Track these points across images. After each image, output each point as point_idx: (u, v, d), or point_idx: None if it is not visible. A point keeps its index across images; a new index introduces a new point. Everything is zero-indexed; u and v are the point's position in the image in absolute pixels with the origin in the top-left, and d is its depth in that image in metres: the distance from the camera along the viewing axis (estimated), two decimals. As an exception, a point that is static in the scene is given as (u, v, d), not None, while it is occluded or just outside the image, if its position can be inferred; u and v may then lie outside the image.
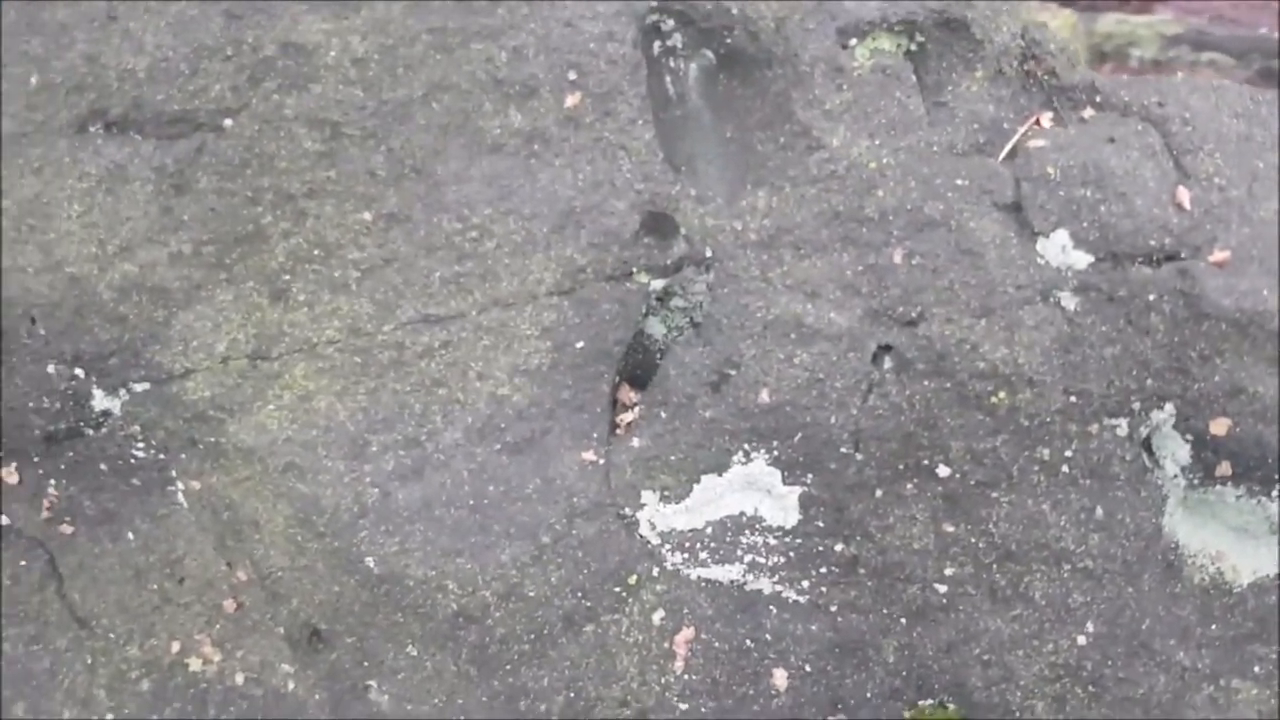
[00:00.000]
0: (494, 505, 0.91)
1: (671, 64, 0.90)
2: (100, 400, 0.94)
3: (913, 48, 0.86)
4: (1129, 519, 0.85)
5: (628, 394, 0.94)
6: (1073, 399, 0.82)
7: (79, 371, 0.93)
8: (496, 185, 0.88)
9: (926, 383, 0.83)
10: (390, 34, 0.86)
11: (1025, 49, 0.88)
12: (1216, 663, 0.85)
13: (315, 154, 0.87)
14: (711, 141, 0.91)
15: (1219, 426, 0.80)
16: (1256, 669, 0.84)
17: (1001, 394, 0.83)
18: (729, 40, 0.86)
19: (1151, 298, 0.80)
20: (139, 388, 0.93)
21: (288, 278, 0.91)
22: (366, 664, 0.97)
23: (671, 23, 0.88)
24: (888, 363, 0.85)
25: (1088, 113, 0.86)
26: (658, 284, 0.90)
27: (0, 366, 0.92)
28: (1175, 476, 0.83)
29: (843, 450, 0.86)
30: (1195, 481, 0.82)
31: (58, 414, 0.95)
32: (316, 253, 0.90)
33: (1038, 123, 0.86)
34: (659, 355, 0.93)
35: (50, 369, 0.93)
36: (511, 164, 0.88)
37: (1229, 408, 0.80)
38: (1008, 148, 0.84)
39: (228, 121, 0.86)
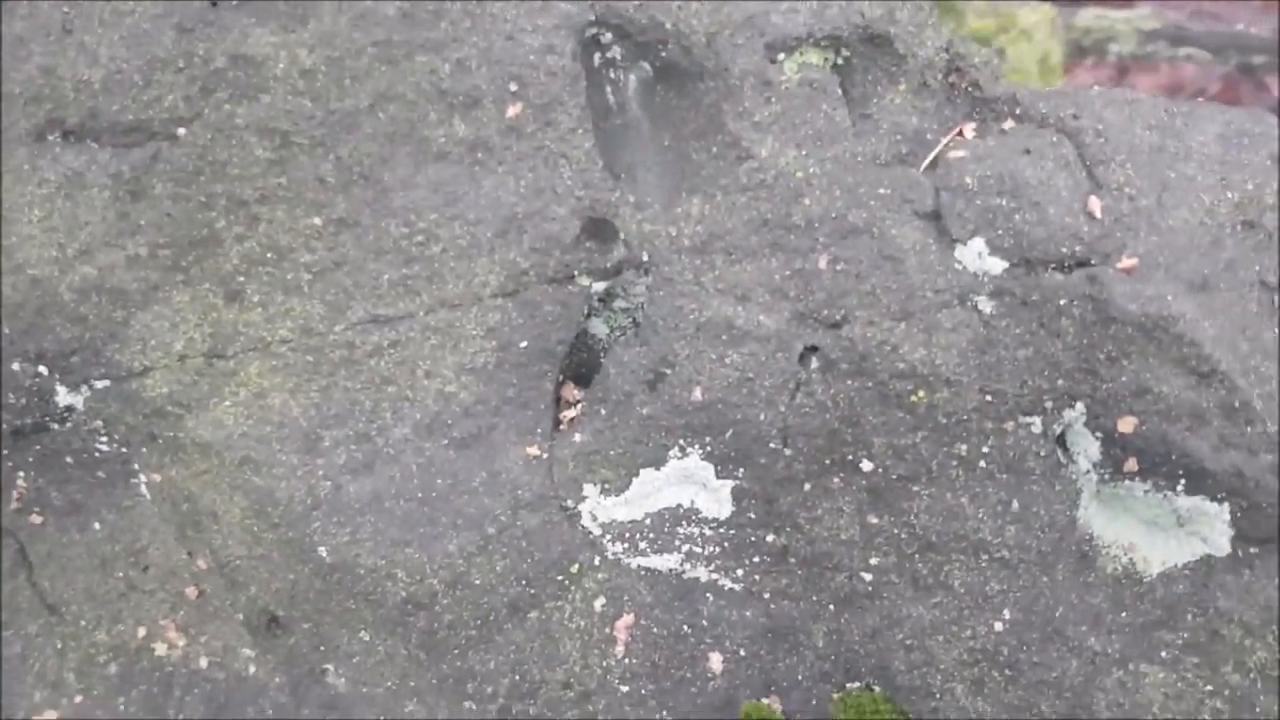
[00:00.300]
0: (441, 498, 0.95)
1: (611, 75, 0.93)
2: (64, 396, 0.98)
3: (839, 61, 0.89)
4: (1043, 511, 0.88)
5: (571, 391, 0.98)
6: (988, 398, 0.86)
7: (42, 369, 0.96)
8: (442, 192, 0.91)
9: (850, 382, 0.87)
10: (337, 46, 0.89)
11: (950, 62, 0.91)
12: (1126, 648, 0.89)
13: (266, 161, 0.90)
14: (650, 150, 0.94)
15: (1126, 425, 0.84)
16: (1163, 654, 0.89)
17: (921, 393, 0.86)
18: (664, 54, 0.89)
19: (1063, 302, 0.84)
20: (100, 384, 0.96)
21: (242, 279, 0.94)
22: (323, 648, 1.01)
23: (610, 36, 0.91)
24: (814, 363, 0.88)
25: (1008, 124, 0.89)
26: (599, 286, 0.94)
27: (-34, 365, 0.96)
28: (1088, 472, 0.87)
29: (772, 446, 0.90)
30: (1106, 476, 0.86)
31: (24, 409, 0.99)
32: (269, 256, 0.93)
33: (961, 133, 0.89)
34: (601, 354, 0.96)
35: (15, 366, 0.96)
36: (456, 171, 0.91)
37: (1135, 407, 0.84)
38: (929, 158, 0.87)
39: (181, 130, 0.89)
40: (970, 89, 0.91)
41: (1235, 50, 2.60)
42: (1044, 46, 2.41)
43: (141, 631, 1.07)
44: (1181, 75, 2.58)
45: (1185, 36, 2.59)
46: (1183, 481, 0.85)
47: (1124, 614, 0.88)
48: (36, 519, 1.06)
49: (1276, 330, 0.89)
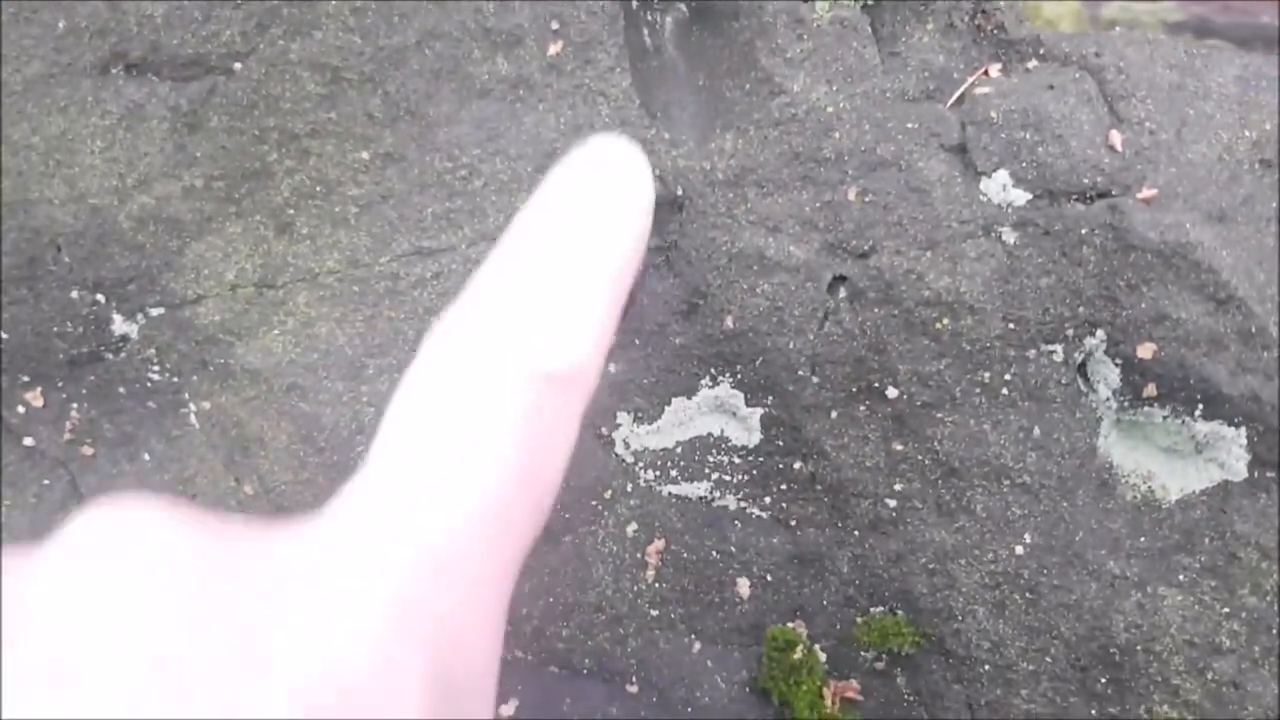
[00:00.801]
0: (480, 424, 0.98)
1: (649, 17, 0.96)
2: (119, 325, 1.02)
3: (869, 1, 0.92)
4: (1064, 439, 0.91)
5: (606, 324, 1.01)
6: (1011, 326, 0.88)
7: (100, 297, 1.00)
8: (485, 128, 0.95)
9: (877, 310, 0.90)
10: (387, -15, 0.93)
11: (976, 5, 0.94)
12: (1144, 572, 0.91)
13: (317, 96, 0.94)
14: (685, 89, 0.97)
15: (1145, 350, 0.86)
16: (1180, 577, 0.91)
17: (945, 320, 0.89)
18: (700, -7, 0.93)
19: (1084, 231, 0.87)
20: (155, 312, 1.00)
21: (292, 212, 0.98)
22: (363, 574, 1.04)
23: (648, -23, 0.95)
24: (842, 292, 0.91)
25: (1032, 64, 0.92)
26: (634, 221, 0.97)
27: (29, 293, 1.00)
28: (1108, 400, 0.89)
29: (800, 373, 0.92)
30: (1125, 404, 0.89)
31: (80, 338, 1.03)
32: (319, 189, 0.97)
33: (986, 73, 0.92)
34: (635, 286, 0.99)
35: (74, 294, 1.00)
36: (498, 108, 0.95)
37: (1155, 333, 0.87)
38: (956, 94, 0.90)
39: (237, 65, 0.93)
40: (996, 31, 0.94)
41: (1260, 42, 2.62)
42: (1071, 38, 2.43)
43: (187, 561, 1.11)
44: None
45: (1210, 28, 2.61)
46: (1200, 407, 0.88)
47: (1142, 539, 0.91)
48: (88, 450, 1.10)
49: (1293, 264, 0.92)
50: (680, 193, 0.93)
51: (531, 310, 0.47)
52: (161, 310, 0.97)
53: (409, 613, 0.43)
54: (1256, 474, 0.88)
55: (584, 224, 0.57)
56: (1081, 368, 0.90)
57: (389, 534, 0.44)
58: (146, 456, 1.08)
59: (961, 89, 0.90)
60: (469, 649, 0.46)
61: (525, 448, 0.49)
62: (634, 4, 0.92)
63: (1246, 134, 0.90)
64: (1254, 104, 0.92)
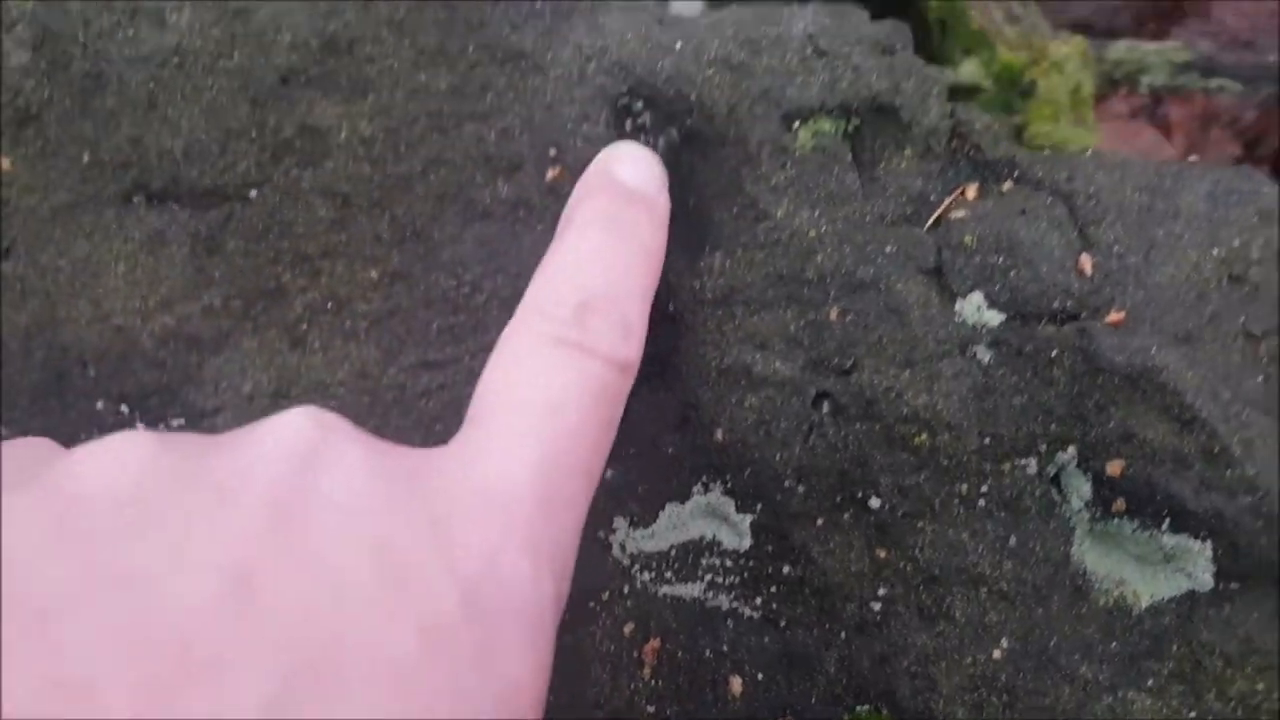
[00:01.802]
0: (483, 528, 1.03)
1: (643, 139, 1.01)
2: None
3: (850, 129, 0.96)
4: (1039, 547, 0.95)
5: (603, 430, 1.06)
6: (987, 441, 0.92)
7: (124, 408, 1.06)
8: (487, 247, 1.00)
9: (858, 425, 0.94)
10: (393, 117, 0.98)
11: (954, 128, 0.98)
12: (1115, 676, 0.95)
13: (329, 220, 0.99)
14: (677, 208, 1.01)
15: (1114, 468, 0.90)
16: (1150, 682, 0.94)
17: (924, 436, 0.93)
18: (689, 122, 0.97)
19: (1054, 353, 0.91)
20: (176, 422, 1.06)
21: (305, 327, 1.03)
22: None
23: (640, 105, 1.00)
24: (826, 407, 0.95)
25: (1007, 185, 0.96)
26: (629, 333, 1.02)
27: (58, 404, 1.06)
28: (1080, 510, 0.93)
29: (787, 484, 0.97)
30: (1097, 515, 0.92)
31: (106, 443, 1.08)
32: (330, 306, 1.02)
33: (963, 193, 0.96)
34: (630, 396, 1.04)
35: (99, 405, 1.06)
36: (500, 229, 1.00)
37: (1123, 451, 0.90)
38: (933, 218, 0.95)
39: (253, 193, 0.98)
40: (972, 152, 0.98)
41: (1266, 80, 2.64)
42: (1076, 78, 2.45)
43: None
44: (1216, 105, 2.63)
45: (1216, 67, 2.63)
46: (1168, 520, 0.91)
47: (1114, 644, 0.94)
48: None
49: (1259, 378, 0.96)
50: (672, 309, 0.98)
51: (610, 305, 0.61)
52: (182, 420, 1.02)
53: (541, 535, 0.52)
54: (1222, 585, 0.92)
55: (637, 234, 0.74)
56: (1055, 480, 0.94)
57: (513, 463, 0.54)
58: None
59: (938, 212, 0.95)
60: (567, 583, 0.57)
61: (599, 419, 0.60)
62: (628, 128, 0.97)
63: (1215, 251, 0.94)
64: (1223, 220, 0.96)
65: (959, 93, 2.62)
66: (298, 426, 0.50)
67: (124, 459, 0.45)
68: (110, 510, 0.39)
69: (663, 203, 0.78)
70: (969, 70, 2.57)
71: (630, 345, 0.63)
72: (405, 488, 0.50)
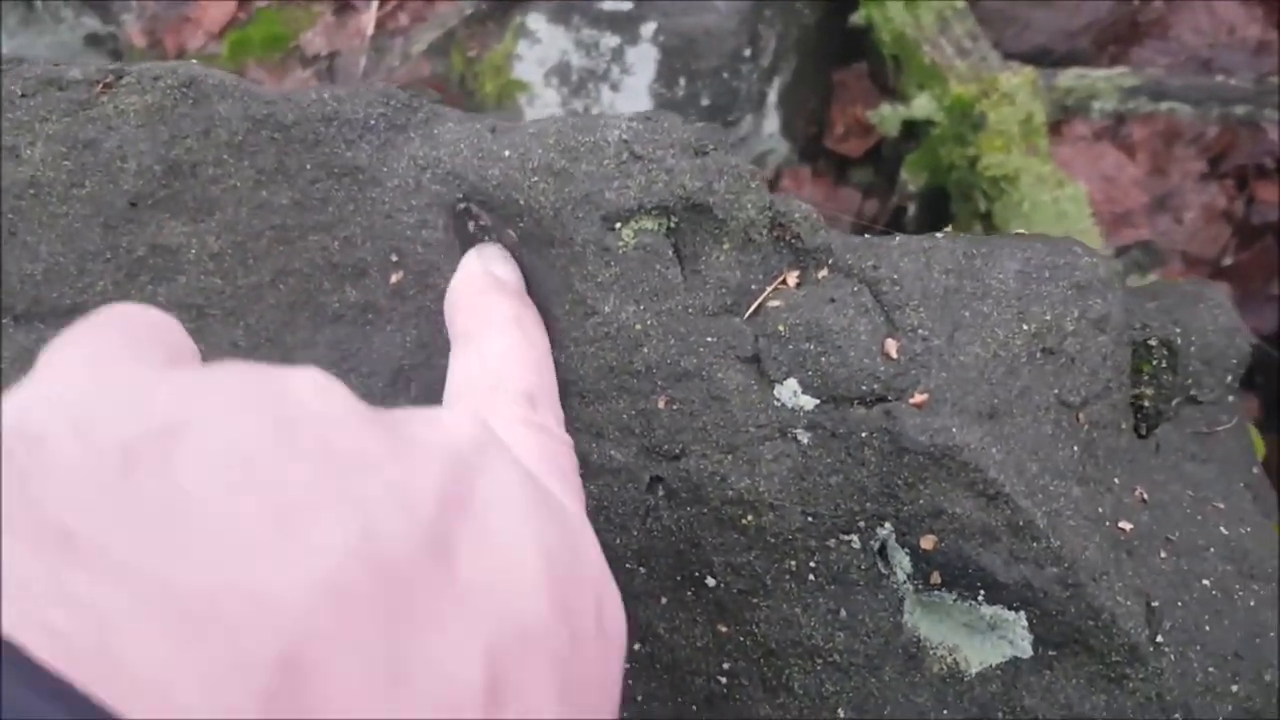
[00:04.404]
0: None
1: (486, 239, 1.06)
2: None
3: (670, 226, 1.01)
4: (868, 619, 0.98)
5: (464, 517, 1.10)
6: (810, 519, 0.96)
7: (8, 515, 1.11)
8: (338, 349, 1.05)
9: (689, 509, 0.98)
10: (239, 232, 1.04)
11: (773, 219, 1.03)
12: (947, 743, 0.98)
13: (187, 331, 1.04)
14: (523, 302, 1.06)
15: (927, 542, 0.94)
16: (979, 749, 0.98)
17: (750, 517, 0.97)
18: (521, 224, 1.02)
19: (864, 435, 0.94)
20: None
21: (173, 432, 1.08)
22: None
23: (477, 208, 1.05)
24: (660, 491, 1.00)
25: (823, 273, 1.00)
26: (482, 424, 1.06)
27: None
28: (905, 582, 0.97)
29: (628, 565, 1.01)
30: (919, 587, 0.96)
31: None
32: (194, 411, 1.08)
33: (784, 281, 1.01)
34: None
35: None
36: (350, 331, 1.05)
37: (934, 526, 0.94)
38: (752, 308, 0.99)
39: (113, 309, 1.04)
40: (793, 240, 1.02)
41: (1217, 102, 2.67)
42: (1027, 108, 2.50)
43: None
44: (1178, 123, 2.67)
45: (1165, 91, 2.67)
46: (982, 592, 0.95)
47: (946, 711, 0.98)
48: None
49: (1073, 448, 0.99)
50: (515, 401, 1.02)
51: (547, 397, 0.73)
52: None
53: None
54: (1041, 651, 0.95)
55: (539, 334, 0.89)
56: (881, 551, 0.97)
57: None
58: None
59: (757, 302, 0.99)
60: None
61: (574, 490, 0.70)
62: (471, 229, 1.02)
63: (1025, 327, 0.98)
64: (1034, 296, 1.00)
65: (913, 127, 2.67)
66: (469, 427, 0.54)
67: (334, 391, 0.49)
68: (333, 429, 0.42)
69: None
70: (922, 105, 2.61)
71: (558, 418, 0.82)
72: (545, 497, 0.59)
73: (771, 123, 2.54)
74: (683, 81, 2.45)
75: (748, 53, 2.39)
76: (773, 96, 2.52)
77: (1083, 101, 2.60)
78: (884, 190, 2.59)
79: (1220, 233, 2.49)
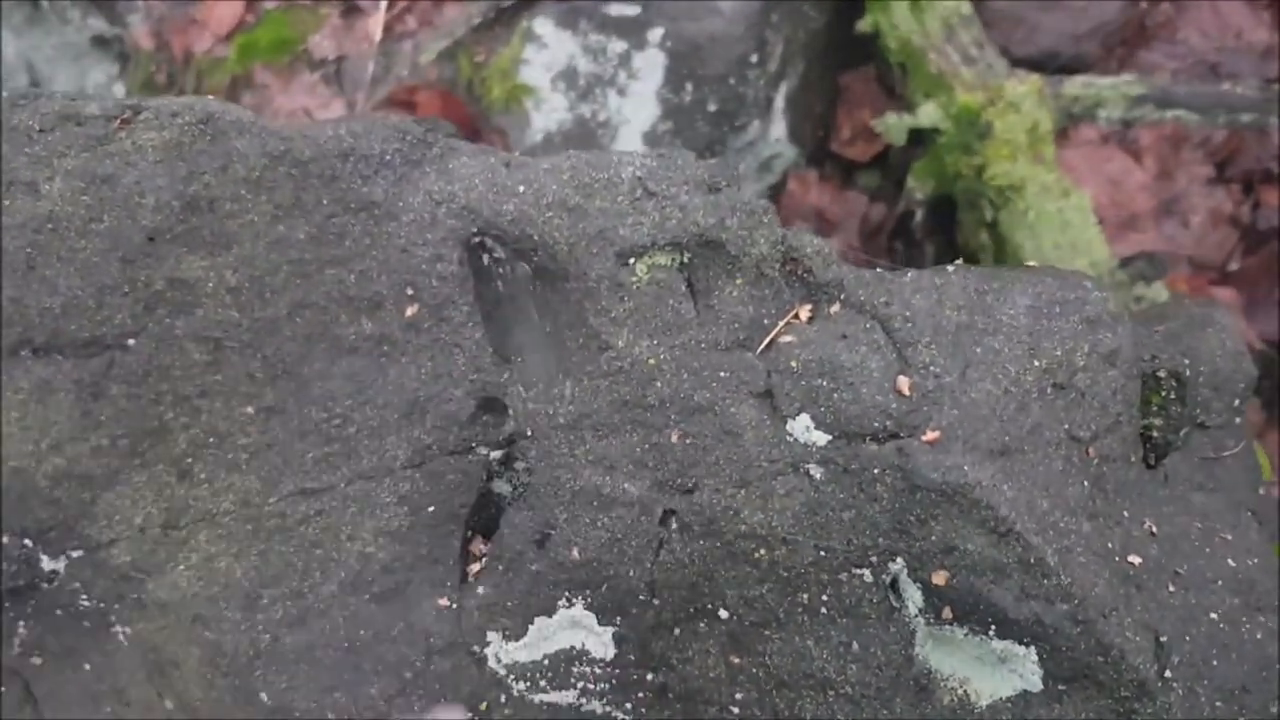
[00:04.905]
0: (365, 647, 1.08)
1: (500, 270, 1.07)
2: (47, 563, 1.13)
3: (684, 262, 1.02)
4: (880, 651, 0.99)
5: (479, 546, 1.11)
6: (822, 553, 0.97)
7: (27, 541, 1.12)
8: (354, 381, 1.06)
9: (702, 542, 0.99)
10: (257, 266, 1.04)
11: (785, 253, 1.03)
12: (958, 774, 0.99)
13: (204, 363, 1.05)
14: (537, 334, 1.07)
15: (939, 578, 0.95)
16: (990, 782, 0.99)
17: (762, 551, 0.98)
18: (535, 259, 1.03)
19: (876, 471, 0.95)
20: (75, 554, 1.12)
21: (190, 461, 1.09)
22: (277, 778, 1.15)
23: (492, 241, 1.06)
24: (673, 524, 1.00)
25: (835, 308, 1.01)
26: (496, 454, 1.07)
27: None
28: (916, 615, 0.98)
29: (642, 598, 1.02)
30: (930, 620, 0.97)
31: (17, 573, 1.14)
32: (211, 440, 1.09)
33: (797, 315, 1.02)
34: (500, 516, 1.10)
35: (5, 539, 1.12)
36: (366, 363, 1.06)
37: (945, 562, 0.95)
38: (764, 343, 1.00)
39: (131, 341, 1.05)
40: (805, 275, 1.03)
41: (1223, 110, 2.67)
42: (1033, 116, 2.49)
43: (129, 760, 1.23)
44: (1185, 128, 2.66)
45: (1172, 99, 2.66)
46: (993, 627, 0.96)
47: (956, 743, 0.99)
48: (37, 660, 1.22)
49: (1083, 483, 1.00)
50: (530, 433, 1.03)
51: None
52: (81, 552, 1.09)
53: None
54: (1050, 685, 0.96)
55: None
56: (893, 586, 0.98)
57: None
58: (87, 667, 1.20)
59: (770, 336, 1.00)
60: None
61: None
62: (485, 261, 1.02)
63: (1036, 363, 0.99)
64: (1045, 331, 1.01)
65: (920, 133, 2.66)
66: None
67: None
68: None
69: None
70: (928, 113, 2.61)
71: None
72: None
73: (779, 127, 2.53)
74: (690, 87, 2.45)
75: (755, 58, 2.39)
76: (780, 101, 2.52)
77: (1089, 109, 2.59)
78: (891, 194, 2.58)
79: (1227, 238, 2.49)
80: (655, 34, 2.45)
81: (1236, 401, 1.20)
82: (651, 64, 2.43)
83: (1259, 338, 2.29)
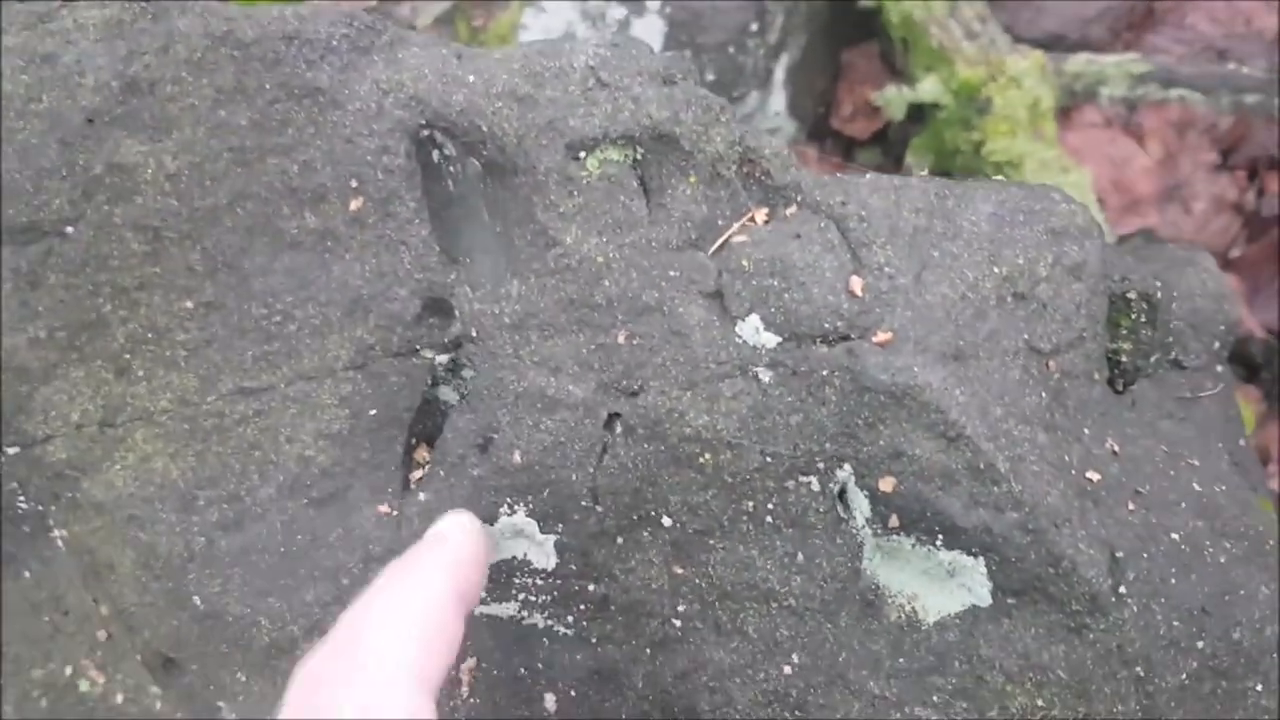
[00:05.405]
0: (301, 552, 1.05)
1: (450, 169, 1.04)
2: (-16, 461, 1.11)
3: (636, 157, 0.99)
4: (826, 563, 0.96)
5: (422, 453, 1.08)
6: (768, 459, 0.94)
7: (-39, 437, 1.09)
8: (296, 276, 1.03)
9: (647, 446, 0.96)
10: (197, 153, 1.01)
11: (743, 154, 1.00)
12: (903, 692, 0.96)
13: (142, 254, 1.02)
14: (487, 234, 1.04)
15: (886, 484, 0.91)
16: (935, 698, 0.95)
17: (707, 455, 0.95)
18: (484, 152, 1.00)
19: (825, 373, 0.92)
20: (11, 451, 1.09)
21: (128, 356, 1.06)
22: (212, 687, 1.12)
23: (441, 135, 1.02)
24: (617, 428, 0.97)
25: (791, 210, 0.98)
26: (442, 358, 1.04)
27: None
28: (864, 526, 0.94)
29: (584, 504, 0.98)
30: (878, 531, 0.94)
31: (-46, 472, 1.12)
32: (150, 335, 1.05)
33: (753, 218, 0.98)
34: (441, 417, 1.07)
35: (-61, 435, 1.09)
36: (308, 258, 1.03)
37: (893, 468, 0.92)
38: (718, 243, 0.96)
39: (69, 229, 1.02)
40: (763, 177, 1.00)
41: (1227, 90, 2.62)
42: (1034, 93, 2.45)
43: (68, 670, 1.20)
44: (1191, 112, 2.62)
45: (1175, 79, 2.62)
46: (941, 537, 0.93)
47: (902, 659, 0.95)
48: (-23, 567, 1.19)
49: (1041, 394, 0.97)
50: (475, 334, 1.00)
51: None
52: (17, 449, 1.06)
53: None
54: (1000, 599, 0.93)
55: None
56: (841, 495, 0.95)
57: None
58: (27, 574, 1.17)
59: (723, 237, 0.97)
60: None
61: None
62: (435, 157, 0.99)
63: (996, 270, 0.96)
64: (1007, 239, 0.97)
65: (920, 109, 2.63)
66: None
67: None
68: None
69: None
70: (928, 88, 2.57)
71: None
72: None
73: (778, 100, 2.50)
74: (688, 55, 2.43)
75: (755, 28, 2.36)
76: (780, 74, 2.48)
77: (1091, 87, 2.55)
78: (891, 172, 2.55)
79: (1230, 224, 2.45)
80: (654, 1, 2.43)
81: (1216, 345, 1.17)
82: (650, 31, 2.41)
83: (1260, 326, 2.25)
